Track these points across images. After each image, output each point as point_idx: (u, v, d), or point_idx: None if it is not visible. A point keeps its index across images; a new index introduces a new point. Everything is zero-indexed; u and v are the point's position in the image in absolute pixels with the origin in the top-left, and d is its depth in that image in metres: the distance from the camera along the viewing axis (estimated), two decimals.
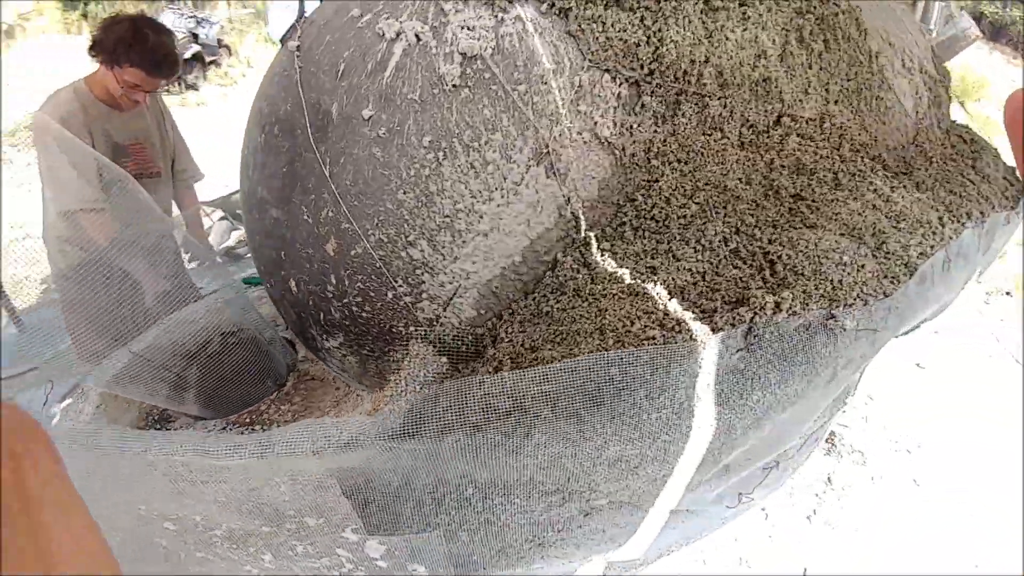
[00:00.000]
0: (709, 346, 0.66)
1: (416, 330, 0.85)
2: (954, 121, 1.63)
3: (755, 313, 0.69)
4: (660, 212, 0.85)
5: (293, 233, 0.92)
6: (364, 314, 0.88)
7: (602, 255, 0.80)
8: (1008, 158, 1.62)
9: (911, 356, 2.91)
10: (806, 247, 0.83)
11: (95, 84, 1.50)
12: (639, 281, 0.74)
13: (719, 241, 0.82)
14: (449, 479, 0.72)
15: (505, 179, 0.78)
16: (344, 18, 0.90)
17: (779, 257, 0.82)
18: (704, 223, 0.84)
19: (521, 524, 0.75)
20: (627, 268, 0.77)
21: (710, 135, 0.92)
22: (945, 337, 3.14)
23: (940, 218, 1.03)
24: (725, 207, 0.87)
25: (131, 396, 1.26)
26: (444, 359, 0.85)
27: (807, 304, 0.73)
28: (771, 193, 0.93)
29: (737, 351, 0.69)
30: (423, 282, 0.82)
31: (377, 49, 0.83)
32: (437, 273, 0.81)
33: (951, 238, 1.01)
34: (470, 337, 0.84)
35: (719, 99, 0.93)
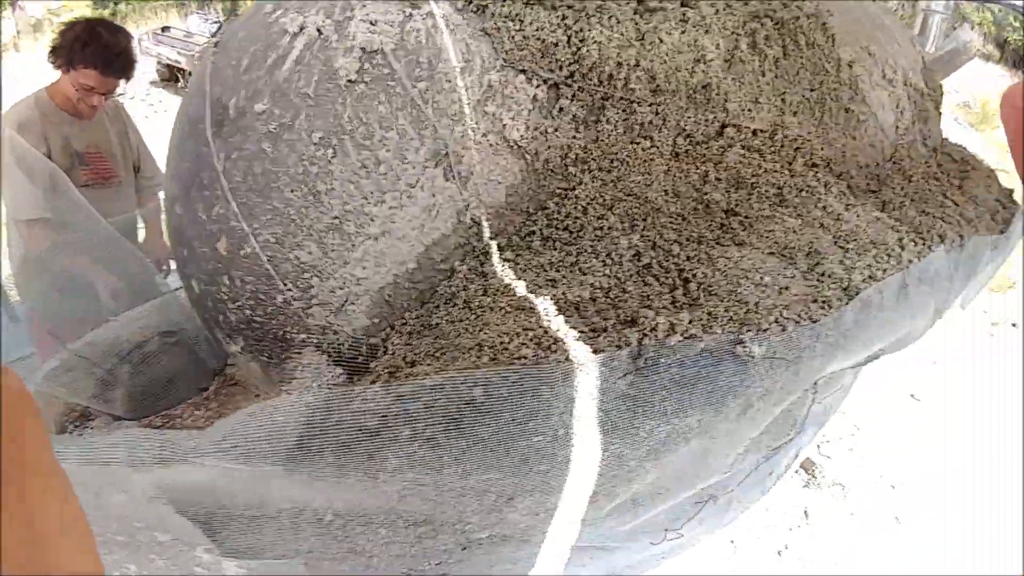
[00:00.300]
0: (587, 369, 0.60)
1: (308, 337, 0.80)
2: (946, 139, 1.54)
3: (643, 335, 0.62)
4: (575, 222, 0.80)
5: (191, 230, 0.88)
6: (257, 318, 0.84)
7: (503, 265, 0.74)
8: (1006, 179, 1.54)
9: (905, 386, 2.78)
10: (725, 265, 0.76)
11: (56, 92, 1.52)
12: (533, 295, 0.68)
13: (631, 255, 0.76)
14: (308, 503, 0.67)
15: (399, 180, 0.73)
16: (260, 14, 0.86)
17: (694, 275, 0.76)
18: (620, 236, 0.78)
19: (392, 556, 0.70)
20: (525, 280, 0.71)
21: (638, 143, 0.86)
22: (944, 368, 3.00)
23: (900, 240, 0.95)
24: (645, 219, 0.81)
25: (60, 394, 1.24)
26: (339, 370, 0.81)
27: (710, 327, 0.67)
28: (701, 207, 0.86)
29: (624, 375, 0.62)
30: (312, 286, 0.77)
31: (280, 44, 0.80)
32: (326, 277, 0.76)
33: (911, 261, 0.93)
34: (365, 348, 0.79)
35: (650, 105, 0.87)
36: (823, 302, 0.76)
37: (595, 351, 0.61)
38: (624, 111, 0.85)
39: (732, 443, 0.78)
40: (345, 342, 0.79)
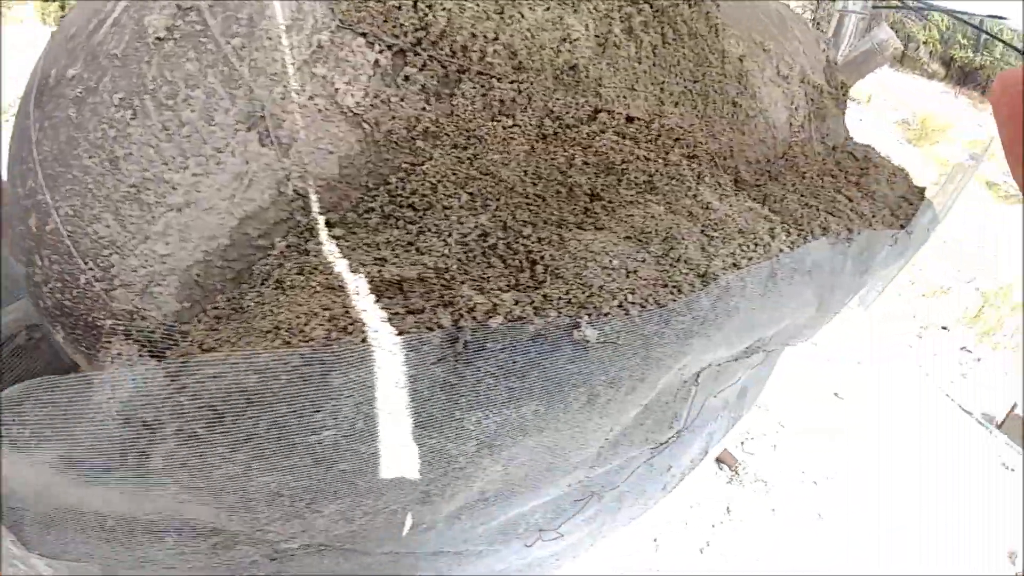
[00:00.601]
0: (389, 353, 0.54)
1: (116, 324, 0.71)
2: (850, 139, 1.59)
3: (459, 315, 0.57)
4: (421, 200, 0.74)
5: (12, 208, 0.78)
6: (67, 302, 0.74)
7: (330, 243, 0.68)
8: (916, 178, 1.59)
9: (829, 385, 2.87)
10: (576, 248, 0.73)
11: None
12: (351, 273, 0.62)
13: (478, 235, 0.71)
14: (89, 505, 0.58)
15: (204, 144, 0.65)
16: None
17: (542, 257, 0.71)
18: (469, 215, 0.73)
19: (191, 567, 0.61)
20: (351, 260, 0.65)
21: (499, 121, 0.82)
22: (868, 368, 3.12)
23: (771, 229, 0.95)
24: (499, 199, 0.76)
25: None
26: (154, 361, 0.72)
27: (543, 309, 0.62)
28: (564, 190, 0.83)
29: (439, 361, 0.57)
30: (113, 265, 0.68)
31: (103, 8, 0.71)
32: (127, 255, 0.67)
33: (781, 251, 0.92)
34: (179, 336, 0.70)
35: (512, 83, 0.83)
36: (673, 287, 0.73)
37: (400, 333, 0.55)
38: (483, 86, 0.80)
39: (583, 435, 0.74)
40: (156, 329, 0.70)
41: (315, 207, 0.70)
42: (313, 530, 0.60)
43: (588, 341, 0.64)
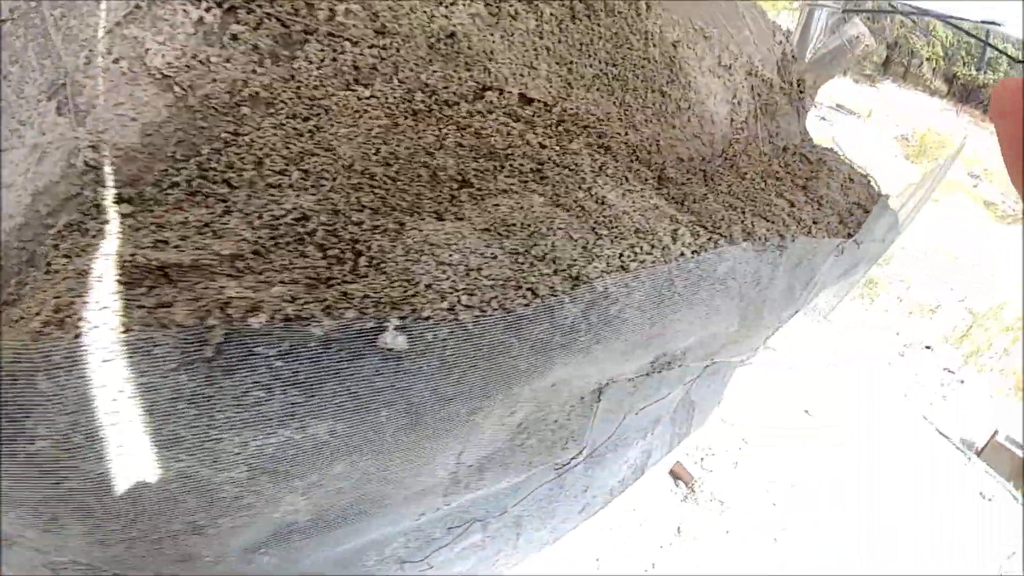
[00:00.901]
0: (105, 353, 0.43)
1: None
2: (807, 140, 1.48)
3: (206, 312, 0.47)
4: (239, 175, 0.64)
5: None
6: None
7: (117, 222, 0.57)
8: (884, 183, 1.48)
9: (800, 400, 2.76)
10: (414, 239, 0.62)
11: None
12: (105, 258, 0.51)
13: (293, 219, 0.61)
14: None
15: (12, 119, 0.57)
16: None
17: (369, 248, 0.61)
18: (289, 195, 0.63)
19: None
20: (124, 241, 0.54)
21: (353, 91, 0.71)
22: (842, 384, 3.00)
23: (675, 231, 0.84)
24: (335, 179, 0.66)
25: None
26: None
27: (336, 308, 0.52)
28: (427, 174, 0.72)
29: (181, 367, 0.46)
30: None
31: None
32: None
33: (683, 254, 0.82)
34: None
35: (372, 48, 0.72)
36: (528, 289, 0.63)
37: (127, 331, 0.44)
38: (333, 49, 0.70)
39: (418, 459, 0.63)
40: None
41: (109, 180, 0.60)
42: (70, 551, 0.50)
43: (392, 350, 0.53)
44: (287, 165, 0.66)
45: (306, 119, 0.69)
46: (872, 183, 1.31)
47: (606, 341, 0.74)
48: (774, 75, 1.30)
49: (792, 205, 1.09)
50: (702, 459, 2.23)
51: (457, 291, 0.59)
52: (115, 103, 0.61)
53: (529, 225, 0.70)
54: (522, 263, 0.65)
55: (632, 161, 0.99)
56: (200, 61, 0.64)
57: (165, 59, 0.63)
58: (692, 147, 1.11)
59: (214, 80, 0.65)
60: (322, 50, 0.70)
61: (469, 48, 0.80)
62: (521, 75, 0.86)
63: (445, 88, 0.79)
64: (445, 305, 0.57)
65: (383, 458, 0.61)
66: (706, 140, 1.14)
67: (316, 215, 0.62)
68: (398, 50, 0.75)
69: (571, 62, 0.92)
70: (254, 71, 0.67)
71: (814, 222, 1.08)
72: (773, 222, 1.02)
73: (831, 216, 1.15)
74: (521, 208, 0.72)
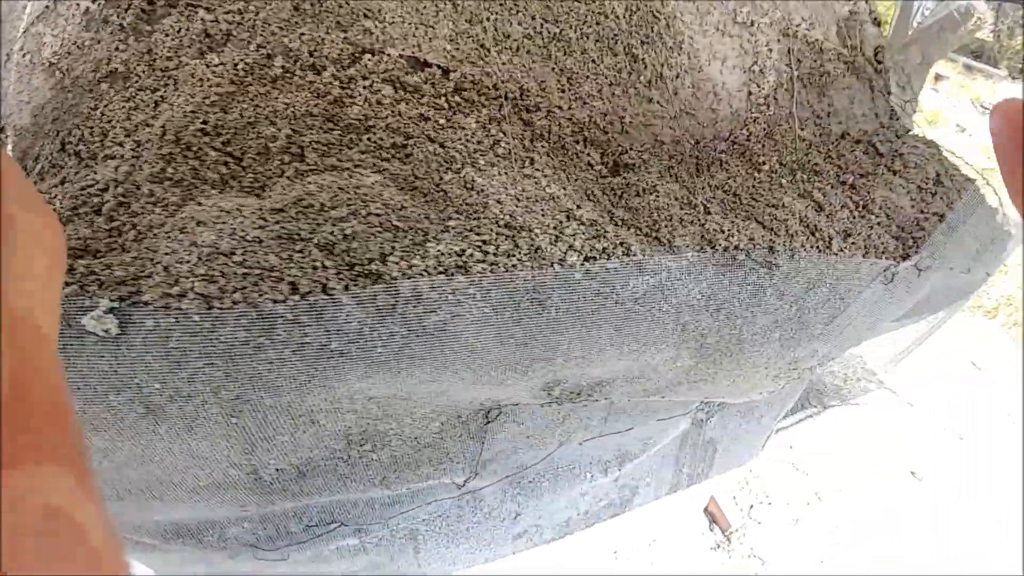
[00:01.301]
0: None
1: None
2: (890, 128, 0.98)
3: None
4: (87, 148, 0.67)
5: None
6: None
7: None
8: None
9: (908, 461, 1.95)
10: (182, 217, 0.57)
11: None
12: None
13: (98, 189, 0.61)
14: None
15: None
16: None
17: (136, 224, 0.58)
18: (102, 167, 0.64)
19: None
20: None
21: (204, 58, 0.69)
22: (966, 447, 2.06)
23: (560, 230, 0.63)
24: (151, 149, 0.64)
25: None
26: None
27: (69, 284, 0.50)
28: (257, 145, 0.66)
29: None
30: None
31: None
32: None
33: (562, 261, 0.61)
34: None
35: (228, 13, 0.68)
36: (289, 283, 0.52)
37: None
38: (187, 19, 0.68)
39: (193, 457, 0.60)
40: None
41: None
42: None
43: (97, 335, 0.49)
44: (125, 137, 0.67)
45: (154, 91, 0.69)
46: (980, 186, 0.79)
47: (426, 357, 0.59)
48: (829, 37, 0.87)
49: (820, 209, 0.73)
50: (751, 506, 1.75)
51: (194, 276, 0.52)
52: (17, 91, 0.69)
53: (333, 208, 0.59)
54: (292, 252, 0.55)
55: (577, 142, 0.77)
56: (77, 46, 0.69)
57: (52, 48, 0.69)
58: (680, 126, 0.82)
59: (85, 61, 0.69)
60: (178, 21, 0.69)
61: (342, 7, 0.71)
62: (413, 35, 0.73)
63: (313, 52, 0.71)
64: (176, 291, 0.52)
65: (134, 445, 0.58)
66: (703, 118, 0.83)
67: (119, 185, 0.62)
68: (257, 13, 0.70)
69: (488, 18, 0.74)
70: (117, 48, 0.69)
71: (843, 233, 0.70)
72: (772, 229, 0.69)
73: (880, 227, 0.72)
74: (341, 188, 0.61)
